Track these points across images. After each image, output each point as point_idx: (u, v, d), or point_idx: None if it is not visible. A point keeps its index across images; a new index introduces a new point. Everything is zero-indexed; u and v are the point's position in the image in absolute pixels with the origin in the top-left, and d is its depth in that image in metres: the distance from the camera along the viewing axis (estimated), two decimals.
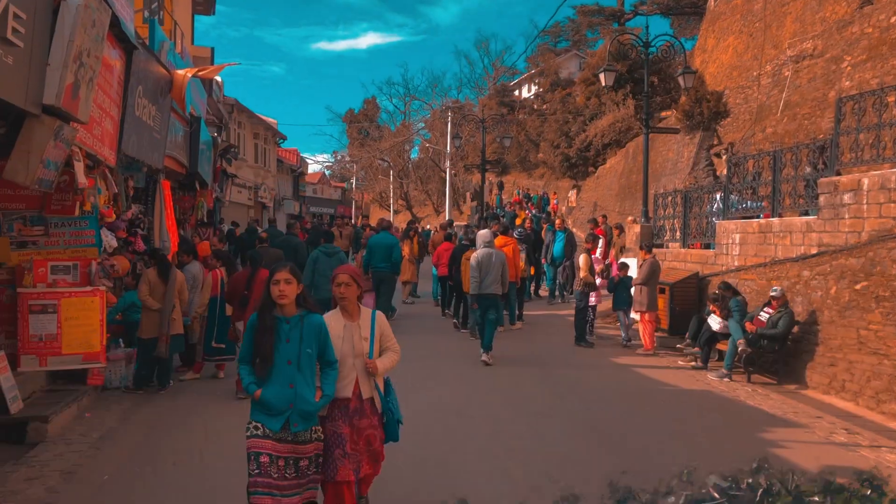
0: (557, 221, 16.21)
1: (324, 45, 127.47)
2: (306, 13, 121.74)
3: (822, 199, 9.22)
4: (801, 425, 7.05)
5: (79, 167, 6.40)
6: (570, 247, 14.85)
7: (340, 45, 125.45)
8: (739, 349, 8.99)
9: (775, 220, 10.24)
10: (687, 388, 8.61)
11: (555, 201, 33.75)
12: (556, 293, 15.66)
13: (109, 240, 7.60)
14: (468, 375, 8.86)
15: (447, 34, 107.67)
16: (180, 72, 9.07)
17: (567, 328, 12.09)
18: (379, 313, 4.41)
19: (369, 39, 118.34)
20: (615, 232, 16.88)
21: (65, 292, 7.00)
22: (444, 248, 13.57)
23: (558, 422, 6.93)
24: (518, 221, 18.55)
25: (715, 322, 9.63)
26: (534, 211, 29.32)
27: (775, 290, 9.04)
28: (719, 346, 9.84)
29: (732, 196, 11.47)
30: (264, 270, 8.39)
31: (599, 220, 19.35)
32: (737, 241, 10.99)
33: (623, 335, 11.34)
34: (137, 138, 8.11)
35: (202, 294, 8.28)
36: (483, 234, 10.24)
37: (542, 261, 15.75)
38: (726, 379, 9.06)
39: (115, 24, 6.76)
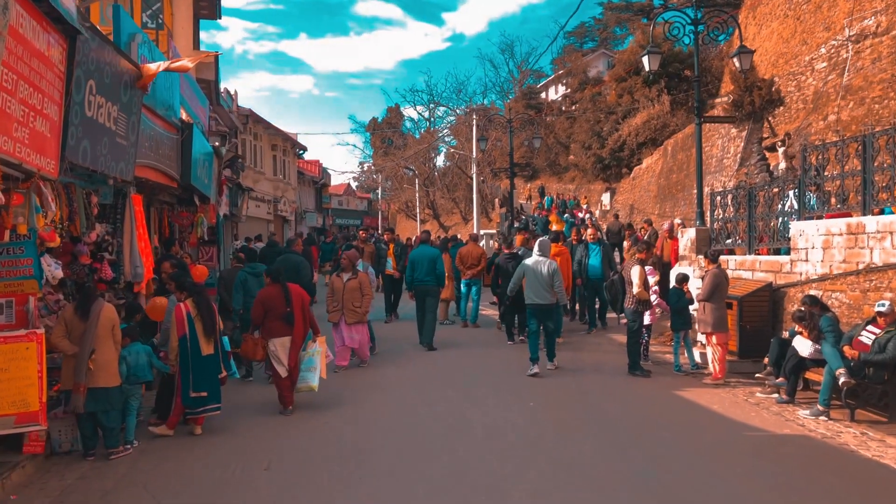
0: (591, 231, 13.54)
1: (349, 57, 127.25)
2: (331, 25, 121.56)
3: None
4: None
5: None
6: (608, 261, 12.75)
7: (365, 57, 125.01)
8: (841, 381, 7.21)
9: (869, 218, 8.44)
10: (778, 432, 6.85)
11: (585, 206, 31.82)
12: (598, 319, 13.21)
13: (53, 270, 6.14)
14: (503, 425, 7.21)
15: (472, 42, 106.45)
16: (150, 66, 7.63)
17: (617, 352, 10.41)
18: None
19: (394, 50, 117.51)
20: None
21: None
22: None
23: (625, 494, 5.27)
24: (559, 227, 16.54)
25: (804, 346, 7.83)
26: (566, 216, 27.58)
27: (882, 305, 7.26)
28: (808, 374, 8.09)
29: (809, 191, 9.69)
30: (294, 285, 8.00)
31: (644, 228, 17.20)
32: (818, 244, 9.18)
33: (675, 362, 9.69)
34: (92, 144, 6.66)
35: (171, 335, 6.73)
36: (544, 241, 9.98)
37: (577, 282, 12.95)
38: (823, 417, 7.29)
39: None
